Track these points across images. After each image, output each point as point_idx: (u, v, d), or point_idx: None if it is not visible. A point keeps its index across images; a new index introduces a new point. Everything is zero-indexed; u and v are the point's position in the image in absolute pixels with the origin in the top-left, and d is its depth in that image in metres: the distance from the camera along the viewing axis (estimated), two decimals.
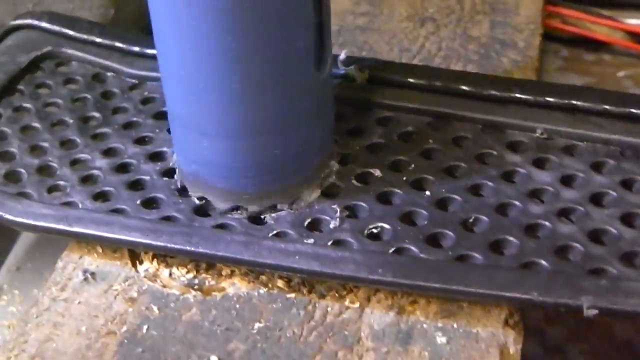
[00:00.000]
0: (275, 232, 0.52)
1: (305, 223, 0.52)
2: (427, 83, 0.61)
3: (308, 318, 0.49)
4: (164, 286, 0.51)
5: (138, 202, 0.55)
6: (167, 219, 0.53)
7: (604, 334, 0.67)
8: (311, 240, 0.51)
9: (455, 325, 0.48)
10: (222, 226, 0.53)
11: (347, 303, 0.50)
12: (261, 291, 0.51)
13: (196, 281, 0.52)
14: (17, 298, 0.60)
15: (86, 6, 0.80)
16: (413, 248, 0.50)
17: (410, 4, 0.78)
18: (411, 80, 0.61)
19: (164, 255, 0.53)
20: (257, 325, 0.49)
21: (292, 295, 0.50)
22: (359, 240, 0.51)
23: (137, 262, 0.53)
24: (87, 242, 0.54)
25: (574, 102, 0.58)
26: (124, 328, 0.49)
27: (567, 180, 0.54)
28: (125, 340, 0.48)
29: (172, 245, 0.51)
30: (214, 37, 0.46)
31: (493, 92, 0.59)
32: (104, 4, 0.80)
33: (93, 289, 0.51)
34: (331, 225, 0.52)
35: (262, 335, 0.48)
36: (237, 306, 0.50)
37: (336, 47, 0.71)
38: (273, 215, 0.53)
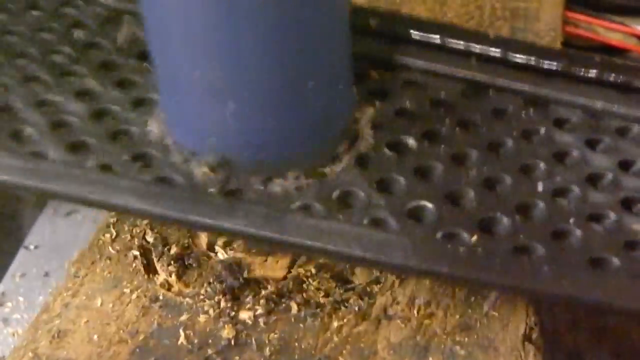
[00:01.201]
0: (298, 204, 0.45)
1: (334, 195, 0.46)
2: (462, 46, 0.55)
3: (324, 329, 0.48)
4: (177, 294, 0.51)
5: (126, 157, 0.47)
6: (164, 180, 0.46)
7: (623, 339, 0.66)
8: (343, 217, 0.45)
9: (473, 338, 0.47)
10: (233, 193, 0.45)
11: (364, 314, 0.49)
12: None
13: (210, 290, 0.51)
14: (22, 305, 0.59)
15: None
16: (465, 235, 0.45)
17: (429, 9, 0.76)
18: (442, 41, 0.55)
19: (178, 267, 0.51)
20: (272, 335, 0.48)
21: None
22: (399, 221, 0.45)
23: (151, 271, 0.52)
24: (66, 200, 0.46)
25: (631, 80, 0.54)
26: (136, 336, 0.48)
27: (626, 166, 0.50)
28: (137, 349, 0.47)
29: (173, 214, 0.43)
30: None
31: (538, 62, 0.55)
32: None
33: (105, 296, 0.51)
34: (363, 200, 0.46)
35: (277, 346, 0.47)
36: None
37: None
38: (295, 184, 0.46)
